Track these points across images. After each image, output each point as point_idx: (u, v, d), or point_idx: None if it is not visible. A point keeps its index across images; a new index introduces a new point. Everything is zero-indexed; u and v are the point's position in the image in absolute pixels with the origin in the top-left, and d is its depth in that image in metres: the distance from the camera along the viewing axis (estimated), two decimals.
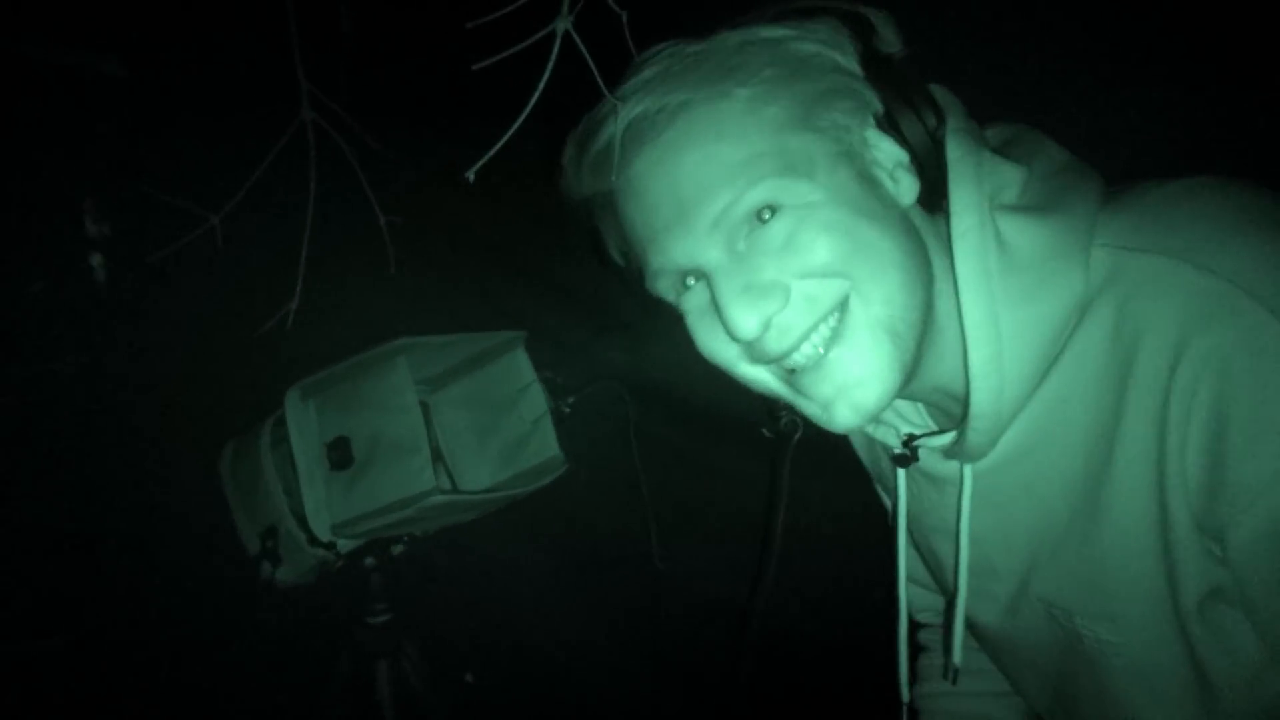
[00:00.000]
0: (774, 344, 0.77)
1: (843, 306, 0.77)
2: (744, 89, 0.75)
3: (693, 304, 0.82)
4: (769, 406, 0.93)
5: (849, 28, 0.78)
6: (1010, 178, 0.77)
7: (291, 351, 1.53)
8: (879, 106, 0.77)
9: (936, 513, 0.94)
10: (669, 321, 0.89)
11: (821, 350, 0.78)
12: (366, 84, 1.59)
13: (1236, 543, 0.68)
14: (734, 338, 0.78)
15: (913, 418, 0.96)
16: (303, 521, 1.54)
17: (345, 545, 1.59)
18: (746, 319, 0.75)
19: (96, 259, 1.89)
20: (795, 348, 0.78)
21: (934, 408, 0.93)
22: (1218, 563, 0.70)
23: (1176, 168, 0.78)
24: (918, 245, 0.78)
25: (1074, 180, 0.77)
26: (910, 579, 1.04)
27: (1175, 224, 0.71)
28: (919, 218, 0.80)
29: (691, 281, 0.81)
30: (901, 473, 0.93)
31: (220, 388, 1.87)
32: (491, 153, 0.77)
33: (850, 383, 0.77)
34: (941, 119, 0.77)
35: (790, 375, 0.80)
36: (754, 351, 0.80)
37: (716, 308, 0.78)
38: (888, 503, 1.12)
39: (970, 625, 1.00)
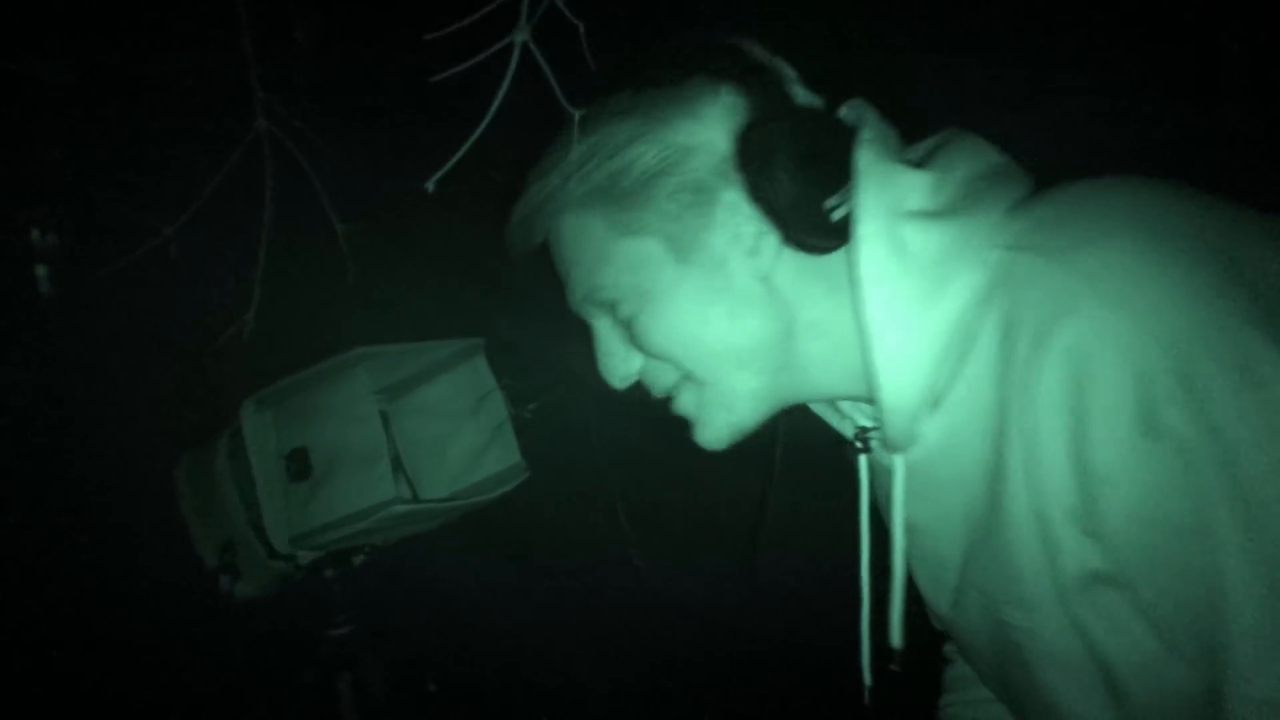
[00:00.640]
0: (650, 389, 0.93)
1: (688, 377, 0.89)
2: (573, 213, 0.88)
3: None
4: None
5: (732, 93, 0.84)
6: (915, 185, 0.80)
7: (248, 363, 1.52)
8: (740, 182, 0.83)
9: (889, 503, 0.98)
10: None
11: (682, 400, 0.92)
12: (325, 92, 1.58)
13: (1106, 530, 0.70)
14: None
15: (868, 410, 0.98)
16: (261, 534, 1.52)
17: (305, 557, 1.58)
18: (611, 376, 0.93)
19: (42, 270, 1.86)
20: (665, 395, 0.92)
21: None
22: (1093, 548, 0.72)
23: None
24: (777, 311, 0.85)
25: (991, 184, 0.80)
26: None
27: (1064, 223, 0.74)
28: (793, 265, 0.85)
29: None
30: (862, 461, 0.98)
31: (175, 400, 1.84)
32: (450, 164, 0.78)
33: (699, 427, 0.91)
34: (850, 136, 0.82)
35: None
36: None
37: None
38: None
39: (937, 618, 1.03)
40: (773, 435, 1.07)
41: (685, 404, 0.91)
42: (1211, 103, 2.16)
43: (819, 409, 1.02)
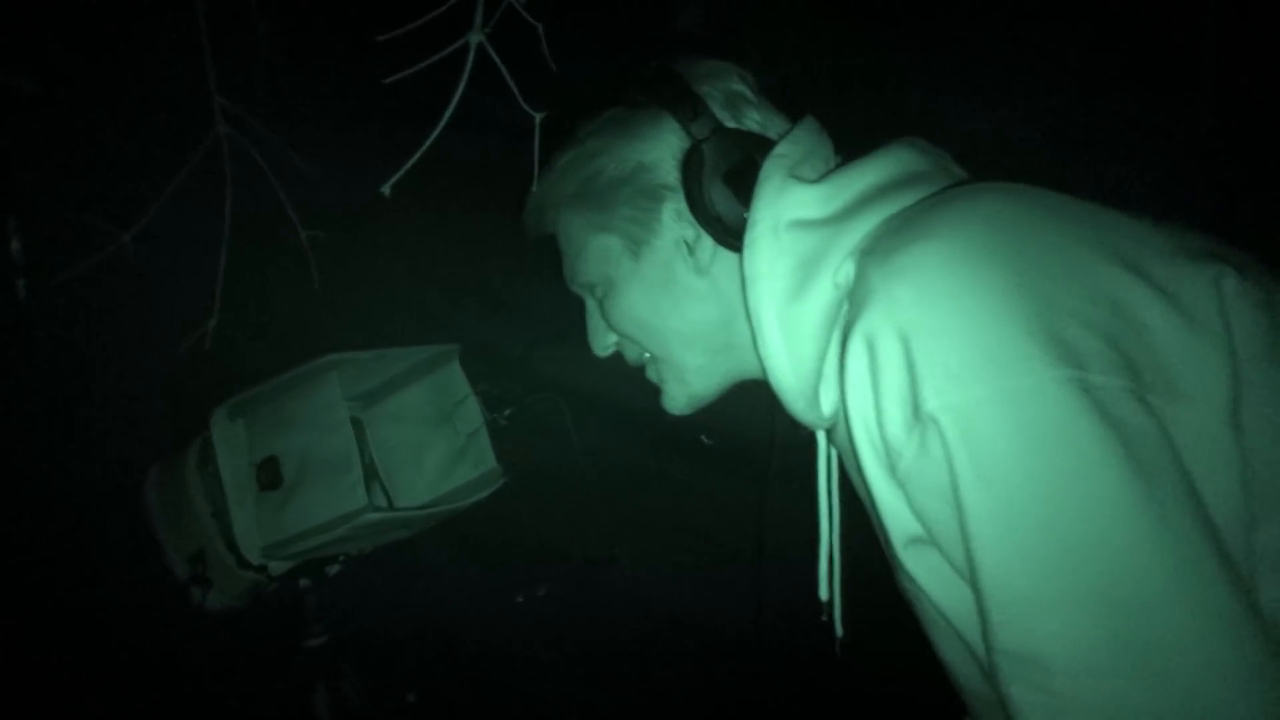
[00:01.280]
0: (625, 358, 1.10)
1: (648, 351, 1.06)
2: (563, 209, 1.03)
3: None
4: None
5: (673, 119, 0.97)
6: (802, 198, 0.91)
7: (219, 371, 1.50)
8: (680, 193, 0.97)
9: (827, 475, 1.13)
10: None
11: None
12: (288, 95, 1.56)
13: (907, 496, 0.77)
14: None
15: None
16: (232, 544, 1.50)
17: (278, 567, 1.56)
18: (593, 346, 1.11)
19: (20, 280, 1.84)
20: (639, 365, 1.09)
21: None
22: (908, 511, 0.79)
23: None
24: (716, 300, 1.00)
25: (888, 193, 0.89)
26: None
27: (904, 228, 0.81)
28: (728, 262, 0.99)
29: None
30: (820, 435, 1.10)
31: (145, 409, 1.82)
32: (406, 166, 0.77)
33: (663, 395, 1.08)
34: (768, 153, 0.94)
35: None
36: None
37: None
38: None
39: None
40: (770, 439, 1.17)
41: (652, 374, 1.09)
42: (1189, 102, 2.17)
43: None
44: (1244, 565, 0.69)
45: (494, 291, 2.01)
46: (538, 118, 0.84)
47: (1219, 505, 0.69)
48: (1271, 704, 0.64)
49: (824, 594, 1.12)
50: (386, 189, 0.76)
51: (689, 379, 1.05)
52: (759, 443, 1.17)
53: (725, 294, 0.99)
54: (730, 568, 1.27)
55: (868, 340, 0.76)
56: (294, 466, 1.49)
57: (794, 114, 1.01)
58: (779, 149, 0.94)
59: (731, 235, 0.95)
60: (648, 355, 1.07)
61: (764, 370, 0.95)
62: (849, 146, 1.00)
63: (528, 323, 1.96)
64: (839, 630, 1.15)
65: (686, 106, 0.97)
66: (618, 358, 1.13)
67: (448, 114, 0.74)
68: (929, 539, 0.79)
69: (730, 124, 0.98)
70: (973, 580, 0.72)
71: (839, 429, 0.94)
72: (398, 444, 1.73)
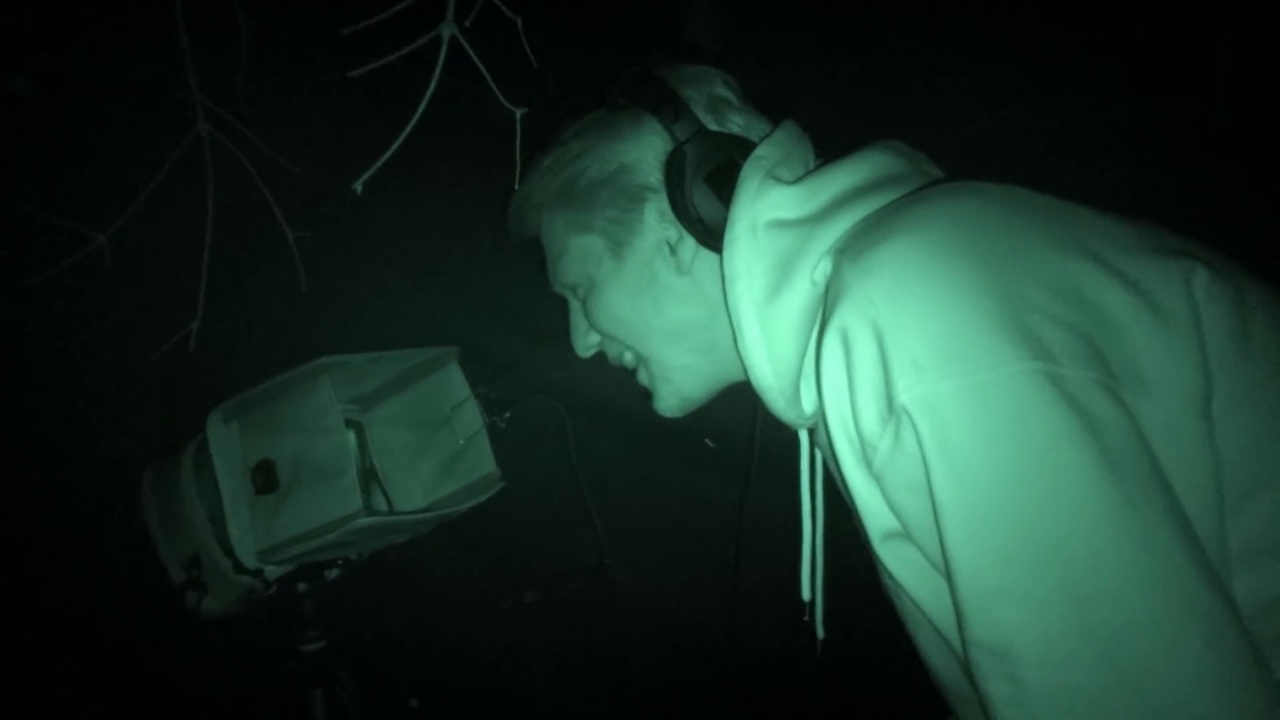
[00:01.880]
0: (609, 359, 1.10)
1: (632, 351, 1.07)
2: (546, 209, 1.05)
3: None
4: None
5: (656, 122, 0.98)
6: (779, 199, 0.91)
7: (214, 374, 1.49)
8: (663, 194, 0.98)
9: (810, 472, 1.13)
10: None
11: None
12: (271, 93, 1.55)
13: (882, 490, 0.78)
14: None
15: None
16: (228, 549, 1.49)
17: (274, 572, 1.54)
18: (576, 346, 1.12)
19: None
20: (628, 368, 1.10)
21: None
22: (884, 505, 0.80)
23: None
24: (697, 300, 1.01)
25: (865, 194, 0.90)
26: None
27: (876, 228, 0.82)
28: (710, 262, 0.99)
29: None
30: (801, 434, 1.11)
31: (139, 413, 1.81)
32: (377, 165, 0.75)
33: (653, 397, 1.09)
34: (748, 155, 0.94)
35: None
36: None
37: None
38: None
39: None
40: (750, 441, 1.17)
41: (643, 378, 1.09)
42: (1201, 100, 2.15)
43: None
44: (1217, 557, 0.69)
45: (490, 293, 2.00)
46: (518, 114, 0.83)
47: (1190, 497, 0.69)
48: (1247, 695, 0.63)
49: (806, 595, 1.12)
50: (358, 186, 0.74)
51: (675, 379, 1.06)
52: (752, 445, 1.16)
53: (707, 294, 1.00)
54: (726, 572, 1.25)
55: (842, 335, 0.76)
56: (288, 470, 1.47)
57: (779, 118, 1.02)
58: (758, 151, 0.95)
59: (712, 236, 0.96)
60: (629, 355, 1.08)
61: (745, 369, 0.96)
62: (849, 147, 0.99)
63: (525, 324, 1.94)
64: (820, 631, 1.15)
65: (669, 109, 0.98)
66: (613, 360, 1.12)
67: (419, 111, 0.73)
68: (905, 533, 0.79)
69: (713, 127, 0.99)
70: (947, 573, 0.72)
71: (820, 428, 0.94)
72: (396, 447, 1.72)
